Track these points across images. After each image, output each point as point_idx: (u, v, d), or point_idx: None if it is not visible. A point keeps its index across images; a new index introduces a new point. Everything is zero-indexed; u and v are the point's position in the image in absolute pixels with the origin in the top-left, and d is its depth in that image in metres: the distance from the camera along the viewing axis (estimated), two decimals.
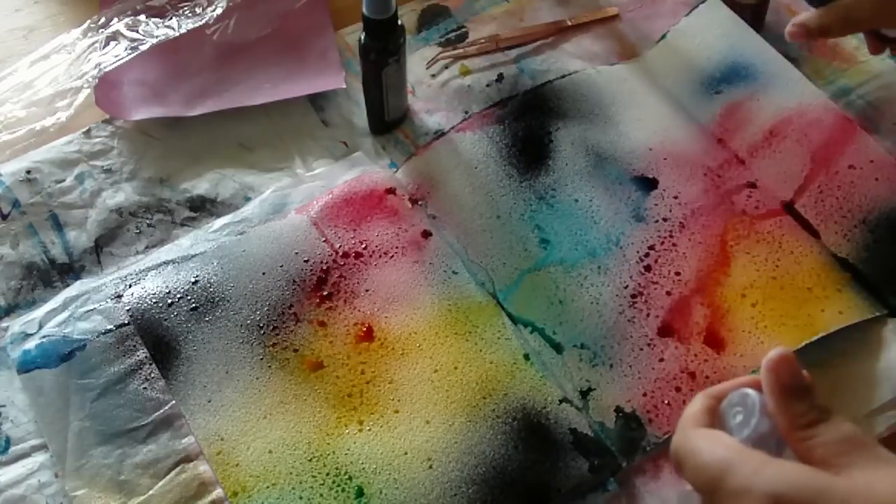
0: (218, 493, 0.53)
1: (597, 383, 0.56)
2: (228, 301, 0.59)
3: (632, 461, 0.54)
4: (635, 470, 0.54)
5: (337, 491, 0.52)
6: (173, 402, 0.56)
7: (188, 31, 0.70)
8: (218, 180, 0.67)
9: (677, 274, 0.60)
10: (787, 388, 0.39)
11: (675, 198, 0.64)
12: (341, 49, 0.74)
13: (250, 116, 0.70)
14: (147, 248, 0.64)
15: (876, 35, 0.65)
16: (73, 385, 0.56)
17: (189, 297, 0.59)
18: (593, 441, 0.54)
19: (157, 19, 0.71)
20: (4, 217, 0.65)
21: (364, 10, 0.60)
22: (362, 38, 0.62)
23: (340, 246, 0.62)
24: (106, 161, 0.68)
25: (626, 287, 0.60)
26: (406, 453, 0.54)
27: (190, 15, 0.71)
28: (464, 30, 0.75)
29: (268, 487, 0.53)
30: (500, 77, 0.72)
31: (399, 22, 0.62)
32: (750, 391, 0.41)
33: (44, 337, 0.58)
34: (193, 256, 0.61)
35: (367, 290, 0.60)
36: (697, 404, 0.42)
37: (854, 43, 0.72)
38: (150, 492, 0.53)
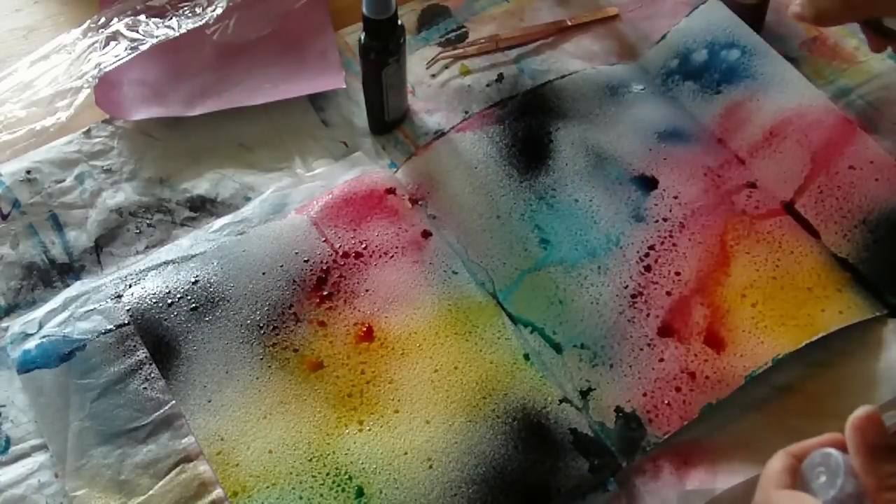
0: (218, 493, 0.53)
1: (597, 383, 0.56)
2: (228, 301, 0.59)
3: (632, 461, 0.54)
4: (635, 470, 0.54)
5: (337, 491, 0.52)
6: (173, 402, 0.56)
7: (188, 31, 0.70)
8: (218, 180, 0.67)
9: (677, 274, 0.60)
10: (874, 447, 0.38)
11: (675, 198, 0.64)
12: (341, 49, 0.74)
13: (250, 116, 0.70)
14: (147, 248, 0.64)
15: (876, 29, 0.63)
16: (73, 385, 0.56)
17: (189, 297, 0.59)
18: (593, 441, 0.54)
19: (157, 19, 0.71)
20: (4, 217, 0.65)
21: (364, 10, 0.60)
22: (362, 38, 0.62)
23: (340, 246, 0.62)
24: (106, 161, 0.68)
25: (626, 287, 0.60)
26: (406, 453, 0.54)
27: (190, 15, 0.71)
28: (464, 30, 0.75)
29: (268, 487, 0.53)
30: (500, 77, 0.72)
31: (399, 22, 0.62)
32: (832, 451, 0.40)
33: (44, 337, 0.58)
34: (193, 256, 0.61)
35: (367, 290, 0.60)
36: (778, 463, 0.42)
37: (854, 43, 0.72)
38: (150, 492, 0.53)
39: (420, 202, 0.65)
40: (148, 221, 0.65)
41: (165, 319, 0.58)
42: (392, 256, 0.61)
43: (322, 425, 0.55)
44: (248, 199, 0.66)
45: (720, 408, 0.55)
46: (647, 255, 0.61)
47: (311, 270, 0.61)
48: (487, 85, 0.72)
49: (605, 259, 0.61)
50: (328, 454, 0.54)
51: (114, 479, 0.53)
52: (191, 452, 0.55)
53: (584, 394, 0.56)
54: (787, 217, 0.62)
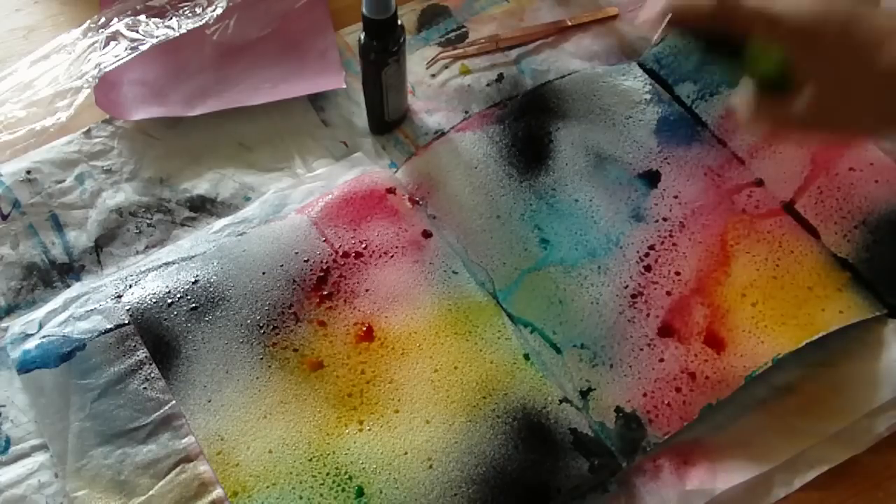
0: (218, 493, 0.53)
1: (597, 383, 0.56)
2: (228, 301, 0.59)
3: (632, 461, 0.54)
4: (635, 470, 0.54)
5: (337, 491, 0.52)
6: (173, 402, 0.56)
7: (188, 31, 0.70)
8: (218, 180, 0.67)
9: (677, 274, 0.60)
10: None
11: (676, 197, 0.64)
12: (341, 49, 0.74)
13: (250, 116, 0.70)
14: (147, 248, 0.64)
15: None
16: (73, 385, 0.56)
17: (189, 297, 0.59)
18: (593, 441, 0.54)
19: (157, 19, 0.71)
20: (5, 217, 0.65)
21: (364, 10, 0.60)
22: (362, 38, 0.62)
23: (340, 246, 0.62)
24: (106, 161, 0.68)
25: (626, 287, 0.60)
26: (406, 453, 0.54)
27: (190, 15, 0.71)
28: (464, 30, 0.75)
29: (268, 487, 0.53)
30: (500, 77, 0.72)
31: (399, 22, 0.62)
32: None
33: (44, 337, 0.58)
34: (193, 257, 0.61)
35: (367, 290, 0.60)
36: None
37: None
38: (151, 492, 0.53)
39: (420, 202, 0.65)
40: (148, 221, 0.65)
41: (165, 319, 0.58)
42: (392, 256, 0.61)
43: (322, 425, 0.55)
44: (248, 199, 0.66)
45: (720, 408, 0.55)
46: (647, 254, 0.61)
47: (311, 270, 0.61)
48: (487, 85, 0.72)
49: (605, 259, 0.61)
50: (328, 454, 0.54)
51: (114, 480, 0.53)
52: (191, 452, 0.55)
53: (584, 394, 0.56)
54: (787, 217, 0.62)
